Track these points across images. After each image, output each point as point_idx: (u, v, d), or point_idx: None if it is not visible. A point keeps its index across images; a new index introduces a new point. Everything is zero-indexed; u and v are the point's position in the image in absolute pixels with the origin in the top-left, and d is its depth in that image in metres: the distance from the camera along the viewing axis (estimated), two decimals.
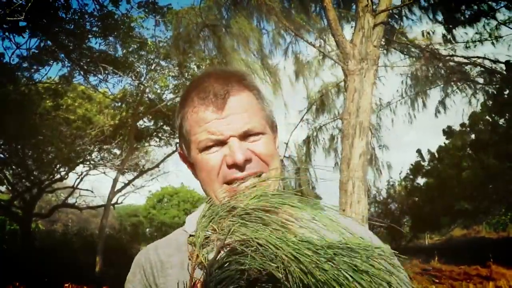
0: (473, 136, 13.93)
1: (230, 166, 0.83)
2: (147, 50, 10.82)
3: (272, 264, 0.55)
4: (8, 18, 5.92)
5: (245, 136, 0.85)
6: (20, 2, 6.02)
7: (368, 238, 0.83)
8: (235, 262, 0.58)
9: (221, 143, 0.84)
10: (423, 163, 15.92)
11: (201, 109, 0.85)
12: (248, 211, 0.62)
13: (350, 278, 0.54)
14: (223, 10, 6.28)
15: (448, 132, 14.67)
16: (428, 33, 7.58)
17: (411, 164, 16.23)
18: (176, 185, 30.17)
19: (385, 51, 7.88)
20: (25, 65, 9.09)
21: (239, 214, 0.62)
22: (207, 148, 0.85)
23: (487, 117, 12.85)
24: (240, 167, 0.82)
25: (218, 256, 0.59)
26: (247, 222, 0.60)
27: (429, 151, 16.05)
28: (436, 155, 15.58)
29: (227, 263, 0.58)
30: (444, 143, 15.50)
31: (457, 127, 14.64)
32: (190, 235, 0.89)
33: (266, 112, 0.91)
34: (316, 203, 0.66)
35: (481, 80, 8.66)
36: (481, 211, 16.02)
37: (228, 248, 0.59)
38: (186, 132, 0.89)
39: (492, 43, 7.62)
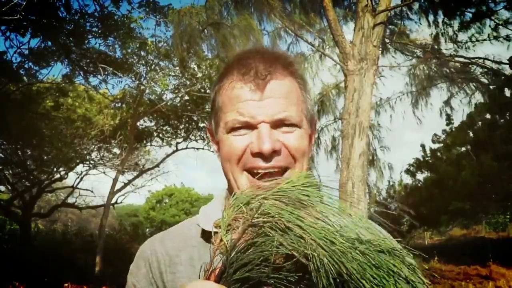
0: (471, 133, 13.94)
1: (254, 155, 0.75)
2: (147, 50, 10.82)
3: (300, 251, 0.51)
4: (6, 18, 5.91)
5: (278, 124, 0.77)
6: (17, 1, 6.02)
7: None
8: (259, 246, 0.53)
9: (251, 126, 0.76)
10: (426, 158, 15.91)
11: (238, 85, 0.78)
12: (282, 195, 0.58)
13: (383, 279, 0.49)
14: (223, 10, 6.29)
15: (448, 124, 14.60)
16: (437, 34, 7.55)
17: (413, 159, 16.20)
18: (178, 185, 30.27)
19: (385, 51, 7.89)
20: (26, 65, 9.11)
21: (272, 196, 0.57)
22: (235, 129, 0.78)
23: (488, 115, 12.86)
24: (265, 158, 0.75)
25: (242, 238, 0.55)
26: (278, 204, 0.55)
27: (430, 148, 16.02)
28: (435, 146, 15.57)
29: (250, 247, 0.54)
30: (441, 141, 15.50)
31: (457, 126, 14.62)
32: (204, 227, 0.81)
33: (307, 105, 0.83)
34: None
35: (483, 80, 8.68)
36: (480, 210, 16.03)
37: (253, 230, 0.55)
38: (218, 107, 0.82)
39: (499, 41, 7.61)
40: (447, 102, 9.27)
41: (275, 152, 0.75)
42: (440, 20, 7.36)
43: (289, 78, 0.81)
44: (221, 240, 0.56)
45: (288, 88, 0.79)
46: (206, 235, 0.83)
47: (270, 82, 0.77)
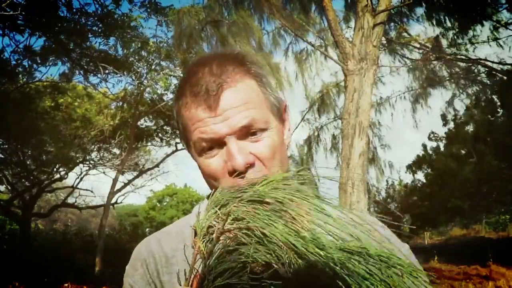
0: (471, 129, 13.95)
1: (231, 173, 0.72)
2: (148, 50, 10.82)
3: (277, 259, 0.49)
4: (4, 13, 5.89)
5: (245, 132, 0.73)
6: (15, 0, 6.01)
7: (389, 237, 0.78)
8: (237, 253, 0.52)
9: (219, 143, 0.74)
10: (427, 158, 15.89)
11: (192, 106, 0.75)
12: (258, 198, 0.55)
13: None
14: (224, 10, 6.30)
15: (444, 124, 14.60)
16: (441, 35, 7.53)
17: (416, 156, 16.17)
18: (180, 185, 30.31)
19: (387, 52, 7.90)
20: (25, 63, 9.11)
21: (247, 200, 0.55)
22: (205, 150, 0.75)
23: (488, 115, 12.87)
24: (242, 173, 0.71)
25: (217, 245, 0.53)
26: (255, 210, 0.53)
27: (431, 147, 15.98)
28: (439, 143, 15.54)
29: (228, 254, 0.53)
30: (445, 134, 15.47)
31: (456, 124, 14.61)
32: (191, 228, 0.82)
33: (270, 100, 0.78)
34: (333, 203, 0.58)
35: (484, 81, 8.69)
36: (479, 209, 16.04)
37: (228, 236, 0.53)
38: (182, 128, 0.80)
39: (499, 45, 7.60)
40: (450, 103, 9.30)
41: (249, 165, 0.72)
42: (440, 22, 7.34)
43: (244, 80, 0.76)
44: (199, 246, 0.55)
45: (245, 93, 0.75)
46: None
47: (223, 94, 0.73)
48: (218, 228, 0.54)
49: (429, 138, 15.76)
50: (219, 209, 0.56)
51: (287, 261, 0.49)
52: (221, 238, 0.54)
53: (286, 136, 0.83)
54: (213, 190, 0.78)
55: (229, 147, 0.72)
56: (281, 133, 0.80)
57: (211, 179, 0.77)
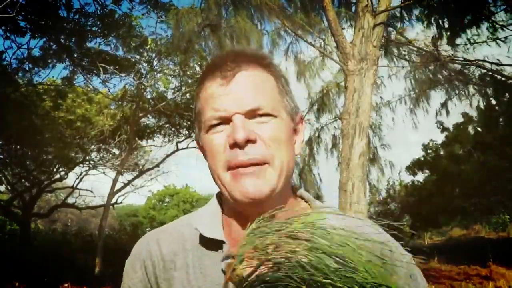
0: (471, 131, 13.95)
1: (231, 146, 0.73)
2: (148, 49, 10.81)
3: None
4: (2, 15, 5.87)
5: (253, 115, 0.75)
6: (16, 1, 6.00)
7: (394, 249, 0.79)
8: (270, 281, 0.53)
9: (227, 121, 0.75)
10: (426, 157, 15.86)
11: (209, 84, 0.78)
12: (296, 233, 0.56)
13: None
14: (223, 11, 6.29)
15: (442, 131, 14.60)
16: (436, 36, 7.50)
17: (414, 158, 16.14)
18: (180, 185, 30.31)
19: (384, 53, 7.88)
20: (26, 66, 9.10)
21: (286, 234, 0.56)
22: (213, 126, 0.76)
23: (488, 117, 12.86)
24: (241, 147, 0.73)
25: (256, 272, 0.55)
26: (293, 242, 0.54)
27: (432, 142, 15.92)
28: (439, 147, 15.52)
29: (262, 282, 0.54)
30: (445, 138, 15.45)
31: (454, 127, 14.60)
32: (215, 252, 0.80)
33: (286, 97, 0.80)
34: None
35: (482, 82, 8.67)
36: (480, 209, 16.04)
37: (267, 265, 0.55)
38: (199, 113, 0.81)
39: (498, 44, 7.59)
40: (443, 105, 9.28)
41: (250, 142, 0.73)
42: (441, 24, 7.32)
43: (262, 70, 0.79)
44: (234, 269, 0.56)
45: (260, 79, 0.77)
46: (203, 241, 0.81)
47: (239, 73, 0.76)
48: (260, 257, 0.55)
49: (425, 148, 15.70)
50: (258, 239, 0.56)
51: None
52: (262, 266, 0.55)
53: (297, 145, 0.84)
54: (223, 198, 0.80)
55: (234, 122, 0.74)
56: (291, 132, 0.81)
57: (213, 157, 0.77)
